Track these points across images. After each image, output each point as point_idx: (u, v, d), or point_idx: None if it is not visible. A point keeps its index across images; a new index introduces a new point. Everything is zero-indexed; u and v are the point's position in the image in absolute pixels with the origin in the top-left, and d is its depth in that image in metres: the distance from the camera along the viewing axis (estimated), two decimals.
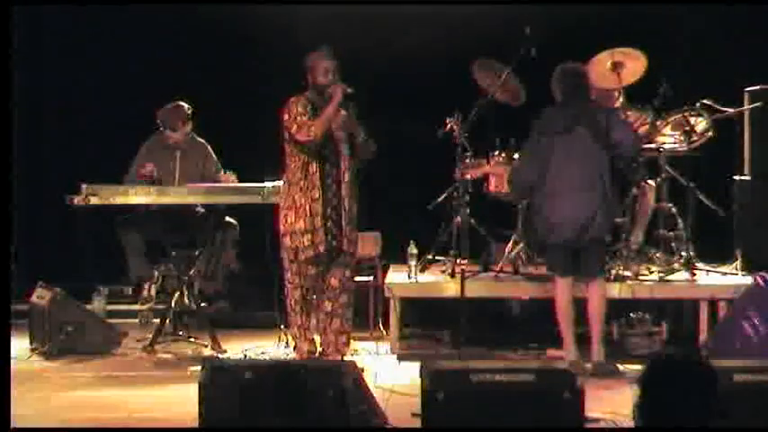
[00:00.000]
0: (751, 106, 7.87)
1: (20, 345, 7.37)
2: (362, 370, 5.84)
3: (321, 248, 6.58)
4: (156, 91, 8.20)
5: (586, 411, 4.89)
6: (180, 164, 7.90)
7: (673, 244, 7.69)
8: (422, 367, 4.97)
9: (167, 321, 7.59)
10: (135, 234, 7.83)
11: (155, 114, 7.91)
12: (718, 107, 7.82)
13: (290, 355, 6.93)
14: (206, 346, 7.42)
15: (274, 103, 6.72)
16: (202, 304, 7.78)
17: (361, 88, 6.60)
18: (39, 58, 8.95)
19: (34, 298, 7.55)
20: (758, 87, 7.86)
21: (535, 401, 4.79)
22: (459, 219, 7.78)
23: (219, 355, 7.16)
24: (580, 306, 6.85)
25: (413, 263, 7.65)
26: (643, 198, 7.65)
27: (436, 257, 7.99)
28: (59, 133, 9.04)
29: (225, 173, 7.85)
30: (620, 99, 7.77)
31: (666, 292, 7.44)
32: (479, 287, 7.47)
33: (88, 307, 7.91)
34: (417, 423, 4.92)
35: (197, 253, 7.70)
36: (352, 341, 7.01)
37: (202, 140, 8.03)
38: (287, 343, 7.17)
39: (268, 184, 7.20)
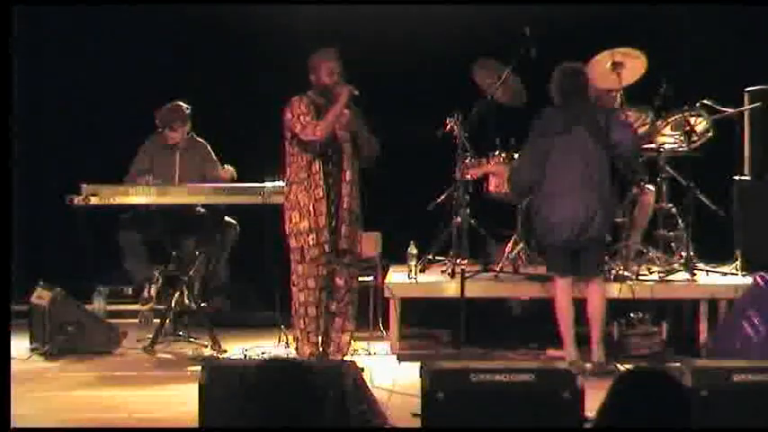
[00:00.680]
0: (751, 106, 7.88)
1: (20, 345, 7.37)
2: (362, 370, 5.83)
3: (327, 247, 6.56)
4: (156, 91, 8.20)
5: (586, 411, 4.89)
6: (180, 164, 7.90)
7: (673, 244, 7.70)
8: (422, 367, 4.97)
9: (167, 321, 7.59)
10: (135, 235, 7.83)
11: (154, 114, 7.90)
12: (718, 107, 7.82)
13: (291, 355, 6.92)
14: (206, 346, 7.42)
15: (274, 103, 6.71)
16: (202, 304, 7.78)
17: (361, 88, 6.60)
18: (39, 58, 8.94)
19: (34, 298, 7.55)
20: (758, 87, 7.86)
21: (535, 401, 4.80)
22: (459, 219, 7.78)
23: (219, 355, 7.16)
24: (580, 306, 6.85)
25: (413, 263, 7.65)
26: (643, 198, 7.66)
27: (436, 257, 7.99)
28: (59, 133, 9.03)
29: (224, 167, 7.85)
30: (620, 99, 7.77)
31: (666, 292, 7.44)
32: (479, 287, 7.48)
33: (88, 307, 7.91)
34: (417, 423, 4.92)
35: (197, 253, 7.70)
36: (352, 341, 7.01)
37: (202, 140, 8.03)
38: (287, 343, 7.17)
39: (268, 184, 7.20)
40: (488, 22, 8.54)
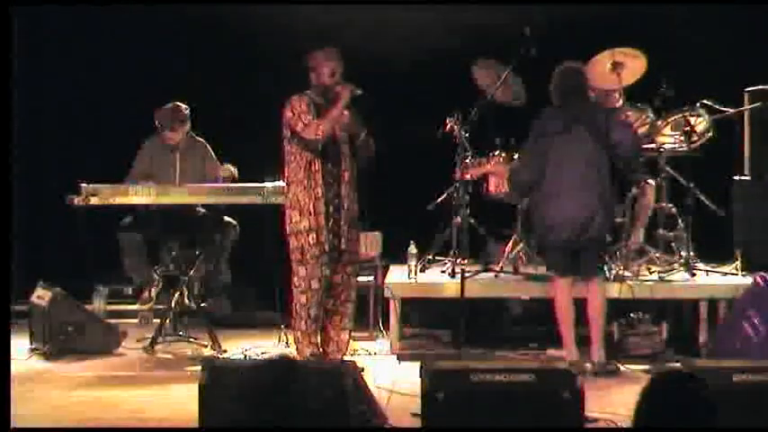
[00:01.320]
0: (751, 106, 7.88)
1: (20, 345, 7.37)
2: (362, 370, 5.83)
3: (327, 247, 6.56)
4: (156, 91, 8.19)
5: (586, 411, 4.89)
6: (180, 164, 7.90)
7: (673, 244, 7.70)
8: (422, 367, 4.97)
9: (167, 321, 7.59)
10: (135, 235, 7.83)
11: (154, 115, 7.90)
12: (718, 107, 7.82)
13: (291, 355, 6.91)
14: (206, 346, 7.42)
15: (274, 103, 6.71)
16: (202, 304, 7.78)
17: (360, 88, 6.60)
18: (39, 58, 8.94)
19: (34, 298, 7.55)
20: (758, 87, 7.86)
21: (535, 401, 4.80)
22: (459, 219, 7.78)
23: (219, 355, 7.16)
24: (580, 306, 6.85)
25: (413, 263, 7.66)
26: (643, 198, 7.66)
27: (436, 257, 7.99)
28: (59, 133, 9.03)
29: (225, 166, 7.85)
30: (620, 99, 7.77)
31: (666, 292, 7.44)
32: (479, 287, 7.48)
33: (88, 307, 7.92)
34: (417, 423, 4.93)
35: (197, 253, 7.70)
36: (352, 341, 7.01)
37: (202, 140, 8.02)
38: (287, 343, 7.17)
39: (268, 184, 7.20)
40: (488, 22, 8.54)
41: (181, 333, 7.68)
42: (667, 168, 7.72)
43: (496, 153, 7.93)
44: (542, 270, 7.39)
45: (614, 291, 7.23)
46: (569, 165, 6.75)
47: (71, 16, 8.87)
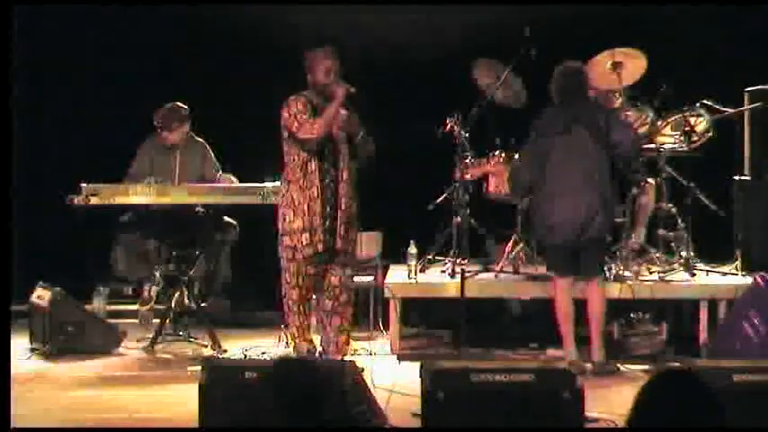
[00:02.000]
0: (751, 106, 7.88)
1: (20, 345, 7.37)
2: (362, 370, 5.83)
3: (320, 247, 6.57)
4: (156, 91, 8.20)
5: (586, 411, 4.89)
6: (179, 164, 7.90)
7: (673, 244, 7.69)
8: (422, 367, 4.98)
9: (167, 321, 7.59)
10: (135, 235, 7.82)
11: (153, 115, 7.89)
12: (718, 107, 7.82)
13: (291, 355, 6.92)
14: (206, 346, 7.42)
15: (274, 103, 6.71)
16: (202, 304, 7.78)
17: (360, 88, 6.60)
18: (39, 58, 8.94)
19: (34, 298, 7.55)
20: (758, 87, 7.86)
21: (535, 401, 4.80)
22: (459, 219, 7.78)
23: (219, 355, 7.16)
24: (580, 306, 6.85)
25: (413, 263, 7.65)
26: (643, 198, 7.66)
27: (436, 257, 7.99)
28: (59, 133, 9.03)
29: (223, 175, 7.84)
30: (620, 99, 7.77)
31: (666, 292, 7.44)
32: (479, 287, 7.48)
33: (88, 307, 7.92)
34: (417, 423, 4.93)
35: (197, 253, 7.70)
36: (352, 341, 7.02)
37: (201, 140, 8.03)
38: (287, 343, 7.17)
39: (268, 185, 7.20)
40: (488, 22, 8.54)
41: (181, 333, 7.68)
42: (667, 168, 7.72)
43: (496, 153, 7.93)
44: (542, 270, 7.39)
45: (614, 291, 7.23)
46: (569, 165, 6.75)
47: (71, 16, 8.87)
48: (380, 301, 7.78)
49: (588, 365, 6.71)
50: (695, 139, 7.75)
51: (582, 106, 6.90)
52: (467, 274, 7.21)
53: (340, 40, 6.83)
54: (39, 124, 9.03)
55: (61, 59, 8.97)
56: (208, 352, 7.30)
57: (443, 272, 7.78)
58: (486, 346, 7.39)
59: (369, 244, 7.88)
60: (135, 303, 8.19)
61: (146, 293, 8.04)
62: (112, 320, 7.91)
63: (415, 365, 5.19)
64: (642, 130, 7.68)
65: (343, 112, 6.62)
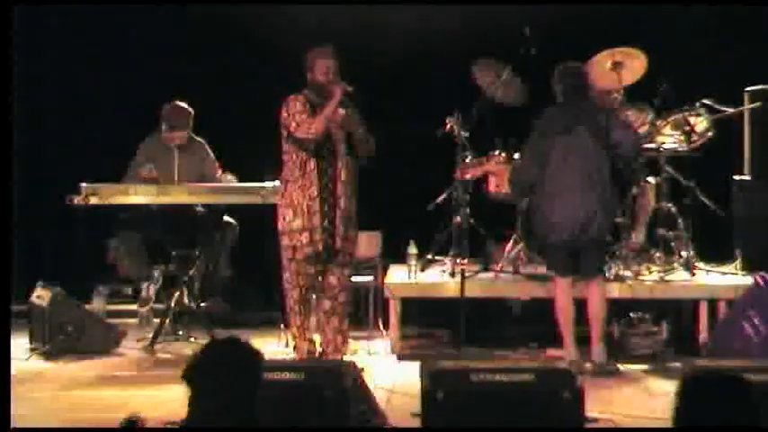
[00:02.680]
0: (751, 106, 7.88)
1: (20, 345, 7.37)
2: (362, 370, 5.83)
3: (320, 247, 6.57)
4: (156, 91, 8.20)
5: (586, 411, 4.89)
6: (179, 163, 7.90)
7: (673, 244, 7.69)
8: (422, 367, 4.98)
9: (167, 321, 7.59)
10: (135, 235, 7.82)
11: (158, 113, 7.88)
12: (718, 107, 7.82)
13: (290, 355, 6.92)
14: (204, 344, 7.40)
15: (274, 103, 6.71)
16: (202, 304, 7.78)
17: (360, 88, 6.60)
18: (39, 58, 8.94)
19: (34, 298, 7.55)
20: (758, 87, 7.86)
21: (535, 401, 4.80)
22: (459, 219, 7.78)
23: None
24: (580, 306, 6.85)
25: (413, 263, 7.65)
26: (643, 198, 7.66)
27: (436, 257, 7.99)
28: (59, 133, 9.03)
29: (223, 174, 7.84)
30: (620, 99, 7.77)
31: (666, 292, 7.44)
32: (479, 287, 7.48)
33: (88, 307, 7.92)
34: (417, 423, 4.92)
35: (197, 253, 7.70)
36: (351, 341, 7.02)
37: (200, 139, 8.03)
38: (287, 343, 7.17)
39: (268, 184, 7.20)
40: (488, 22, 8.54)
41: (181, 333, 7.68)
42: (667, 168, 7.72)
43: (496, 153, 7.93)
44: (542, 270, 7.39)
45: (614, 291, 7.24)
46: (570, 165, 6.75)
47: (71, 16, 8.87)
48: (380, 301, 7.78)
49: (588, 365, 6.71)
50: (695, 138, 7.75)
51: (582, 106, 6.90)
52: (467, 274, 7.21)
53: (340, 40, 6.82)
54: (39, 124, 9.03)
55: (61, 59, 8.97)
56: None
57: (443, 272, 7.78)
58: (486, 346, 7.39)
59: (369, 244, 7.88)
60: (135, 303, 8.19)
61: (144, 293, 8.04)
62: (112, 320, 7.90)
63: (415, 365, 5.19)
64: (642, 130, 7.68)
65: (342, 111, 6.62)
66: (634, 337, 7.24)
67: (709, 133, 7.78)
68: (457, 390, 4.81)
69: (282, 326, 7.26)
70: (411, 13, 8.69)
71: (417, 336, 7.88)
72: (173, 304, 7.64)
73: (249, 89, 8.67)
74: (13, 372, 5.68)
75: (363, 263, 7.75)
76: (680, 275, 7.54)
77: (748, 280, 7.24)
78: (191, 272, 7.63)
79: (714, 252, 7.95)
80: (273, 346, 7.34)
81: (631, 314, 7.31)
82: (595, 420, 5.33)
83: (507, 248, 7.84)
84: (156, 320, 7.66)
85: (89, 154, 8.56)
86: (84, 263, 8.34)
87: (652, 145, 7.70)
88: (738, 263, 7.76)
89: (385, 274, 7.92)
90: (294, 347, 6.85)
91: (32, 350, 7.42)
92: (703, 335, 7.29)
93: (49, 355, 7.29)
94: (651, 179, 7.72)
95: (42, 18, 8.88)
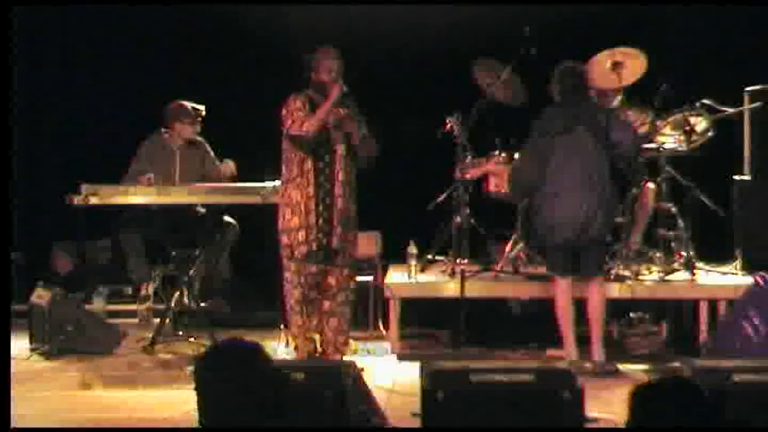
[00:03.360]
0: (751, 106, 7.88)
1: (20, 345, 7.37)
2: (362, 370, 5.82)
3: (314, 245, 6.57)
4: (156, 91, 8.20)
5: (586, 411, 4.89)
6: (179, 163, 7.90)
7: (673, 244, 7.69)
8: (422, 367, 4.97)
9: (167, 321, 7.59)
10: (134, 234, 7.83)
11: (163, 111, 7.88)
12: (718, 107, 7.82)
13: (290, 355, 6.92)
14: (206, 346, 7.41)
15: (274, 103, 6.71)
16: (202, 304, 7.78)
17: (360, 88, 6.60)
18: (39, 58, 8.94)
19: (34, 298, 7.55)
20: (758, 87, 7.86)
21: (535, 401, 4.80)
22: (459, 219, 7.78)
23: None
24: (580, 306, 6.85)
25: (413, 263, 7.65)
26: (643, 198, 7.65)
27: (436, 257, 7.99)
28: (59, 133, 9.04)
29: (224, 161, 7.85)
30: (620, 99, 7.77)
31: (666, 292, 7.44)
32: (479, 287, 7.48)
33: (88, 307, 7.92)
34: (417, 423, 4.92)
35: (197, 253, 7.70)
36: (351, 341, 7.01)
37: (201, 139, 8.03)
38: (287, 343, 7.16)
39: (268, 184, 7.20)
40: (488, 22, 8.54)
41: (181, 333, 7.67)
42: (667, 168, 7.72)
43: (496, 153, 7.93)
44: (542, 270, 7.38)
45: (614, 291, 7.23)
46: (570, 165, 6.75)
47: (71, 16, 8.87)
48: (380, 301, 7.78)
49: (588, 365, 6.71)
50: (695, 138, 7.75)
51: (582, 106, 6.90)
52: (467, 274, 7.21)
53: (340, 40, 6.82)
54: (39, 124, 9.03)
55: (61, 59, 8.98)
56: None
57: (443, 272, 7.78)
58: (486, 346, 7.39)
59: (368, 244, 7.88)
60: (135, 303, 8.20)
61: (143, 291, 8.05)
62: (112, 320, 7.91)
63: (415, 365, 5.19)
64: (642, 130, 7.68)
65: (342, 111, 6.62)
66: (634, 337, 7.24)
67: (709, 133, 7.78)
68: (457, 390, 4.81)
69: (282, 326, 7.25)
70: (411, 12, 8.69)
71: (417, 336, 7.88)
72: (173, 304, 7.64)
73: (250, 89, 8.67)
74: (13, 372, 5.67)
75: (363, 263, 7.75)
76: (680, 275, 7.53)
77: (748, 280, 7.23)
78: (191, 272, 7.63)
79: (714, 252, 7.95)
80: (273, 346, 7.33)
81: (631, 314, 7.31)
82: (595, 420, 5.32)
83: (507, 248, 7.84)
84: (156, 320, 7.66)
85: (89, 154, 8.56)
86: (84, 263, 8.34)
87: (652, 145, 7.70)
88: (738, 263, 7.75)
89: (385, 274, 7.92)
90: (294, 347, 6.85)
91: (32, 350, 7.41)
92: (703, 335, 7.29)
93: (49, 355, 7.29)
94: (651, 185, 7.71)
95: (42, 18, 8.88)
